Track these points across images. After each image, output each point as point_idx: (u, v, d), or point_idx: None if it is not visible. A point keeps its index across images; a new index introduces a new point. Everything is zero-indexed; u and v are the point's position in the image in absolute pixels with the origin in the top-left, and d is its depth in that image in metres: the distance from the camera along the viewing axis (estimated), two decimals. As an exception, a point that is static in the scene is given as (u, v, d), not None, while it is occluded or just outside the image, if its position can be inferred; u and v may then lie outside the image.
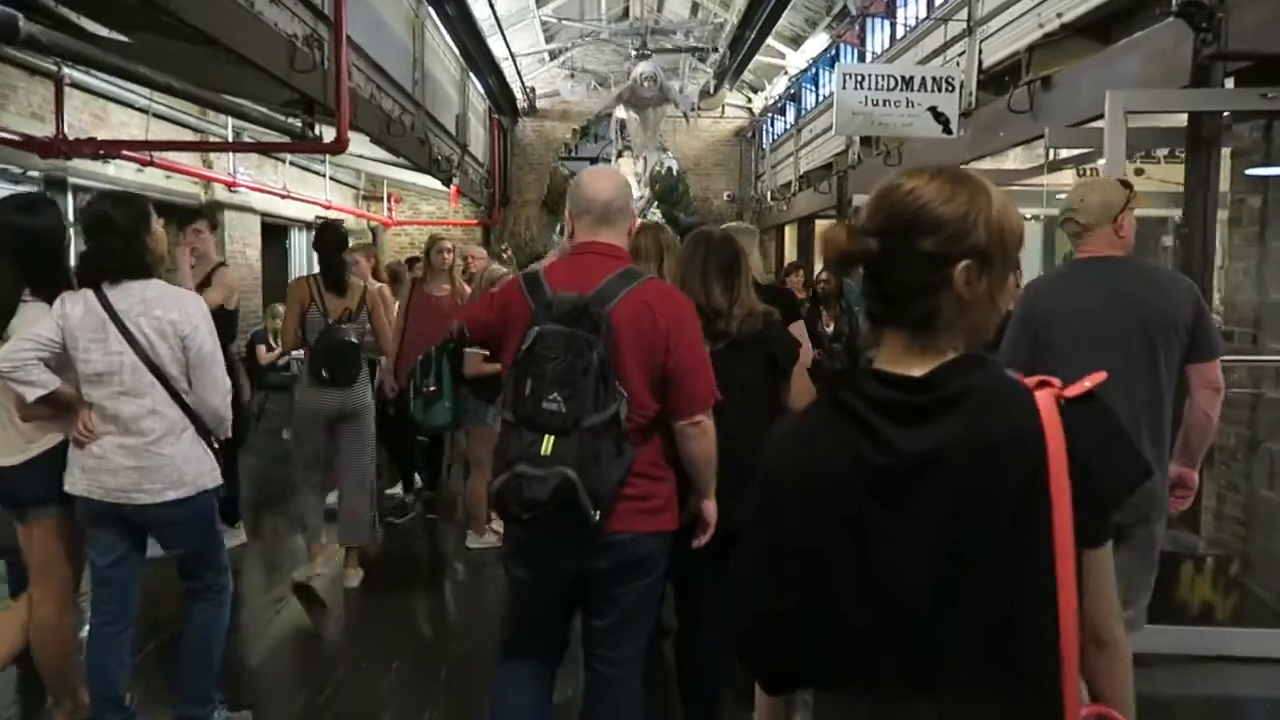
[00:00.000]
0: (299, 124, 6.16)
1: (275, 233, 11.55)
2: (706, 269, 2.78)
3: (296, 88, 5.58)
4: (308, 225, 12.32)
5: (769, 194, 14.29)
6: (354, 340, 4.38)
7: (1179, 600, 3.82)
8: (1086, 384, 1.06)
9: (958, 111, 6.39)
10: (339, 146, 6.06)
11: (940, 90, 6.36)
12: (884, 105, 6.37)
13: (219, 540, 3.05)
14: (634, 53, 10.89)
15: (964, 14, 6.65)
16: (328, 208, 11.54)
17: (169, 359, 2.71)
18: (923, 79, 6.39)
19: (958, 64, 6.75)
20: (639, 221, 2.84)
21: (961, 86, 6.42)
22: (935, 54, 7.36)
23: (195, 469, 2.78)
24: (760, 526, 1.14)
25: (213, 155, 8.95)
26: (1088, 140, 4.81)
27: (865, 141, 9.23)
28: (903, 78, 6.38)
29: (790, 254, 14.31)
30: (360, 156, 10.86)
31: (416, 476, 6.19)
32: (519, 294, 2.34)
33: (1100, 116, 4.77)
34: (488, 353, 4.08)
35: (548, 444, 2.15)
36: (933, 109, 6.36)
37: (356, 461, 4.54)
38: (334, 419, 4.46)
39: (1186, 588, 3.82)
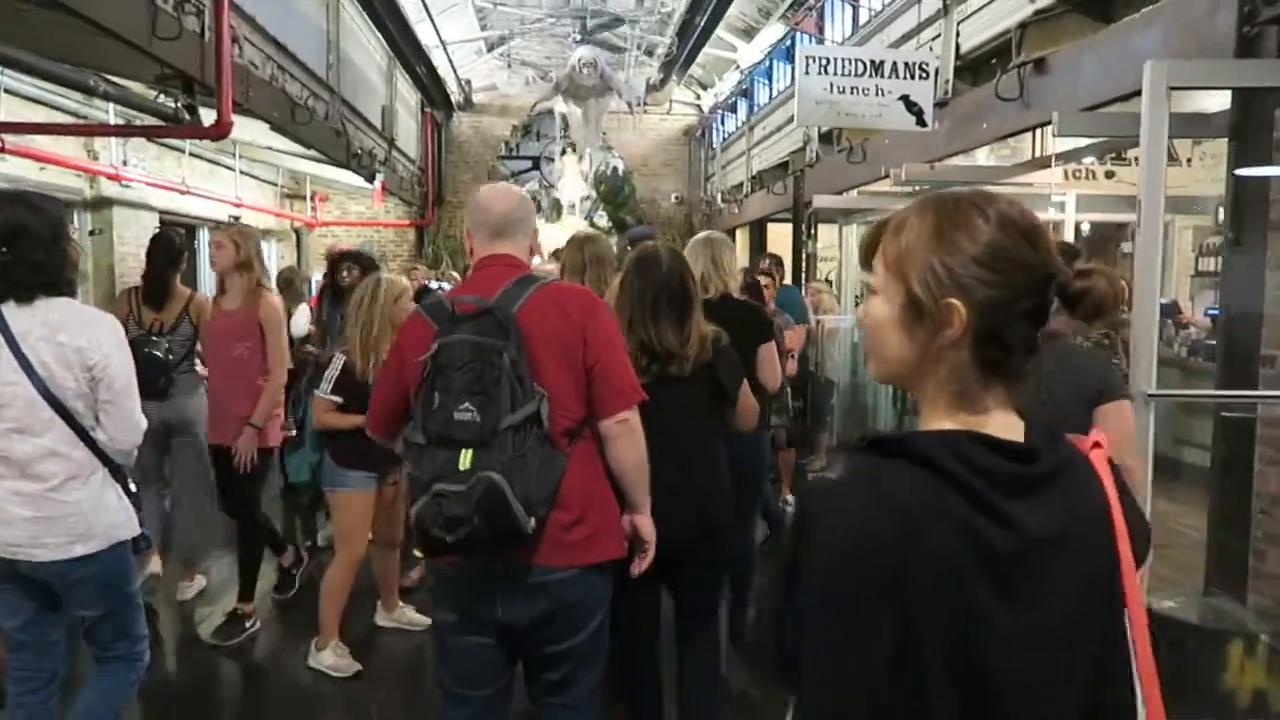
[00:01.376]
0: (174, 105, 5.22)
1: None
2: (657, 307, 2.62)
3: (161, 58, 4.67)
4: (219, 225, 11.32)
5: (719, 196, 13.58)
6: (158, 353, 4.23)
7: (1224, 689, 3.13)
8: (1103, 439, 1.03)
9: (933, 101, 5.70)
10: (220, 130, 5.16)
11: (914, 77, 5.67)
12: (851, 93, 5.66)
13: (136, 602, 2.64)
14: (574, 38, 10.03)
15: (939, -9, 5.96)
16: (238, 205, 10.52)
17: (73, 391, 2.37)
18: (894, 64, 5.69)
19: (931, 49, 6.06)
20: (575, 233, 2.98)
21: (937, 74, 5.72)
22: (905, 39, 6.68)
23: (108, 519, 2.45)
24: (857, 620, 0.88)
25: (98, 144, 7.94)
26: (1106, 126, 4.12)
27: (825, 138, 8.54)
28: (872, 62, 5.67)
29: (742, 260, 13.60)
30: (272, 149, 9.91)
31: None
32: (420, 322, 2.22)
33: (1106, 103, 4.10)
34: (339, 400, 3.49)
35: (465, 458, 2.02)
36: (905, 98, 5.66)
37: (188, 472, 4.48)
38: (159, 431, 4.18)
39: (1235, 674, 3.14)
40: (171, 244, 4.57)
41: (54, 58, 4.89)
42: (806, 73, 5.62)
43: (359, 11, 8.88)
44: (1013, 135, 5.31)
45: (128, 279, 7.32)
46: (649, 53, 12.53)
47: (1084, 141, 5.01)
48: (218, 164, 10.66)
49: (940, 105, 5.79)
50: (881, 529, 0.88)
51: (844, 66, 5.65)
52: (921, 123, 5.68)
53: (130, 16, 4.29)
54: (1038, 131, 5.37)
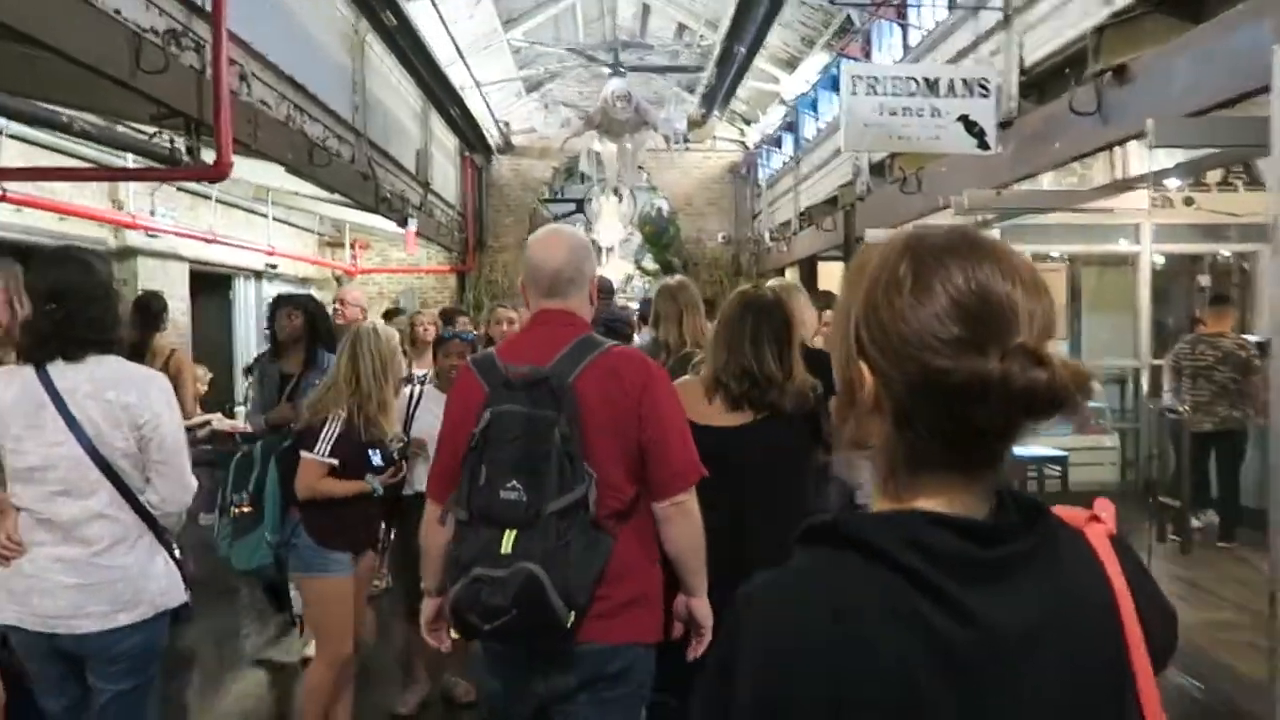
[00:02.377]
0: (170, 145, 4.90)
1: (212, 284, 10.31)
2: (758, 335, 2.62)
3: (150, 94, 4.34)
4: (256, 274, 11.14)
5: (767, 234, 13.07)
6: None
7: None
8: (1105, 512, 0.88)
9: (995, 121, 5.14)
10: (219, 171, 4.81)
11: (973, 95, 5.12)
12: (904, 114, 5.13)
13: (154, 682, 2.49)
14: (607, 71, 9.64)
15: (999, 1, 5.41)
16: (270, 254, 10.29)
17: (121, 451, 2.31)
18: (950, 81, 5.15)
19: (992, 64, 5.51)
20: (667, 281, 3.24)
21: (999, 90, 5.17)
22: (961, 56, 6.13)
23: (155, 585, 2.37)
24: None
25: (121, 192, 7.74)
26: (1216, 133, 3.53)
27: (876, 169, 7.99)
28: (926, 80, 5.14)
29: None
30: (306, 196, 9.69)
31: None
32: (472, 382, 2.14)
33: (1201, 112, 3.52)
34: (335, 463, 3.23)
35: (508, 540, 1.95)
36: (964, 119, 5.11)
37: None
38: None
39: None
40: (147, 308, 4.77)
41: (43, 98, 4.62)
42: (854, 93, 5.11)
43: (386, 52, 8.62)
44: (1090, 154, 4.72)
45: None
46: (689, 89, 12.14)
47: (1173, 159, 4.40)
48: (253, 212, 10.50)
49: (1004, 125, 5.23)
50: (819, 633, 0.77)
51: (895, 86, 5.13)
52: (984, 145, 5.12)
53: (110, 50, 3.97)
54: (1115, 153, 4.77)
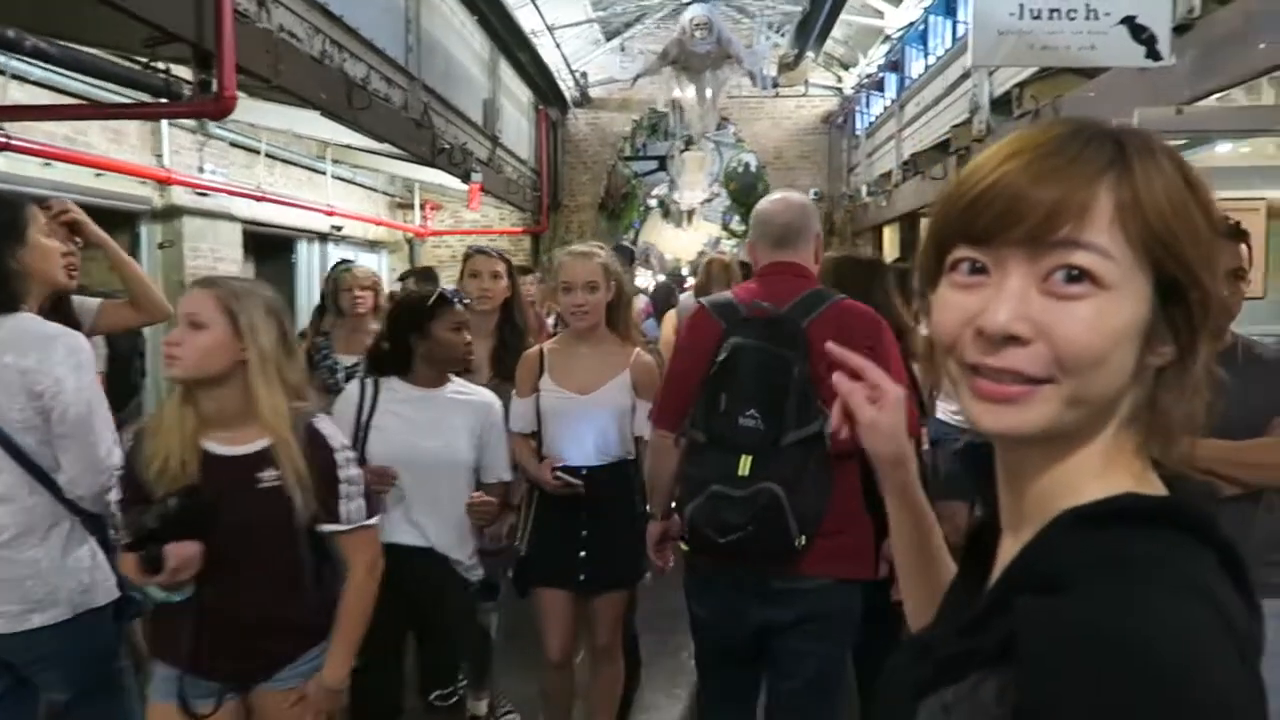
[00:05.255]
0: (166, 76, 4.21)
1: (273, 246, 9.81)
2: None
3: (139, 15, 3.65)
4: (321, 236, 10.62)
5: (864, 188, 11.93)
6: None
7: None
8: None
9: (1169, 24, 4.05)
10: (221, 106, 4.11)
11: (1141, -9, 4.04)
12: (1050, 18, 4.08)
13: (120, 682, 2.22)
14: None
15: None
16: (330, 214, 9.72)
17: (19, 424, 2.01)
18: (1112, -27, 4.07)
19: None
20: (710, 256, 3.84)
21: (1177, -18, 4.08)
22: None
23: (73, 581, 2.08)
24: None
25: (166, 147, 7.21)
26: None
27: (999, 104, 6.87)
28: (1080, -28, 4.07)
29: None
30: (363, 150, 9.06)
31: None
32: (706, 319, 2.33)
33: None
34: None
35: (745, 463, 2.12)
36: (1129, 20, 4.04)
37: None
38: None
39: None
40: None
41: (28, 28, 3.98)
42: (985, -7, 4.09)
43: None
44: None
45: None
46: (779, 30, 11.02)
47: None
48: (315, 170, 9.95)
49: (1181, 31, 4.13)
50: (1246, 672, 0.59)
51: (1039, -18, 4.08)
52: (1154, 54, 4.04)
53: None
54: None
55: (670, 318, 5.71)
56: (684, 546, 2.31)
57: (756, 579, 2.21)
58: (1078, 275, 0.64)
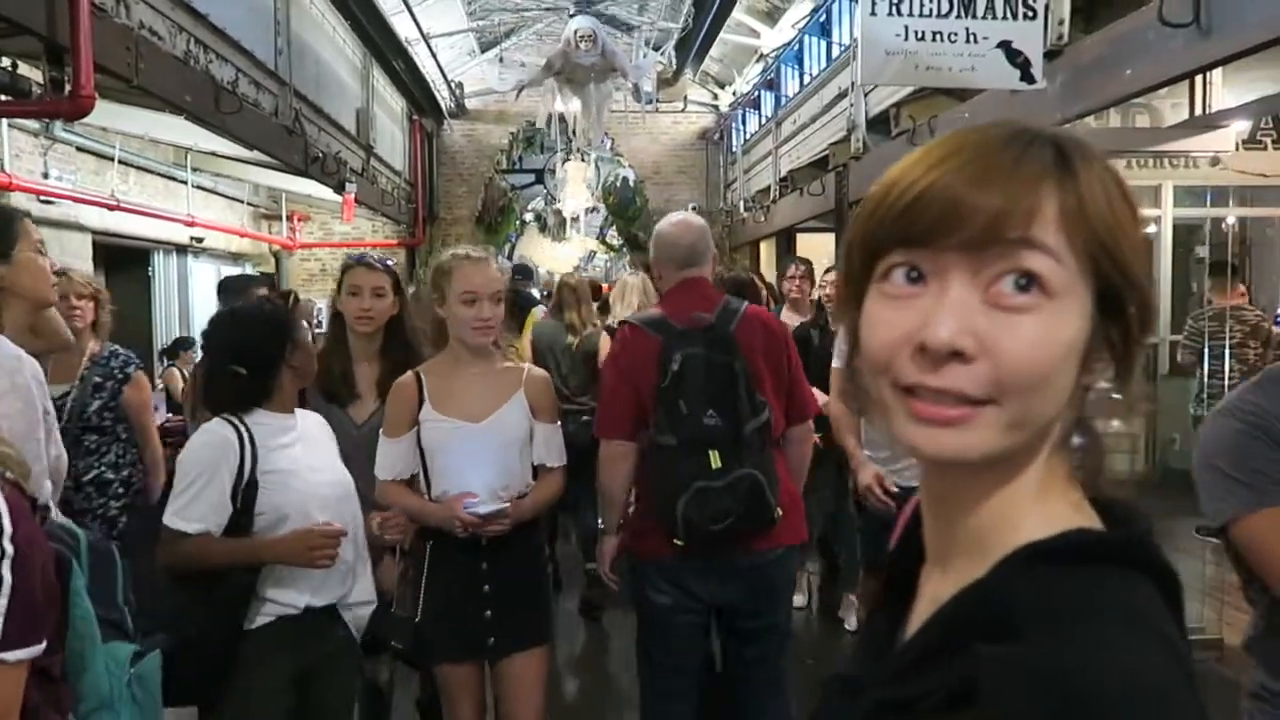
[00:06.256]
0: (11, 72, 3.84)
1: (127, 258, 9.17)
2: None
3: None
4: (180, 248, 10.00)
5: (742, 204, 12.14)
6: None
7: None
8: None
9: (1041, 49, 4.25)
10: (75, 107, 3.77)
11: (1016, 17, 4.22)
12: (934, 40, 4.22)
13: None
14: (571, 9, 8.54)
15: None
16: (190, 225, 9.16)
17: None
18: (989, 0, 4.24)
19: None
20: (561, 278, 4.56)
21: (1048, 11, 4.28)
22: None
23: None
24: None
25: (7, 152, 6.62)
26: None
27: (876, 122, 7.09)
28: (960, -1, 4.23)
29: (768, 276, 12.10)
30: (226, 158, 8.59)
31: None
32: (642, 334, 2.52)
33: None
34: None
35: (715, 458, 2.36)
36: (1005, 45, 4.22)
37: None
38: None
39: None
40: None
41: None
42: (873, 13, 4.18)
43: (317, -9, 7.55)
44: (1180, 80, 3.84)
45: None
46: (657, 47, 11.10)
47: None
48: (173, 179, 9.36)
49: (1051, 56, 4.35)
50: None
51: (923, 6, 4.21)
52: (1027, 77, 4.23)
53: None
54: (1198, 81, 3.90)
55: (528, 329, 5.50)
56: (678, 542, 2.43)
57: (716, 564, 2.44)
58: (1025, 284, 0.61)
